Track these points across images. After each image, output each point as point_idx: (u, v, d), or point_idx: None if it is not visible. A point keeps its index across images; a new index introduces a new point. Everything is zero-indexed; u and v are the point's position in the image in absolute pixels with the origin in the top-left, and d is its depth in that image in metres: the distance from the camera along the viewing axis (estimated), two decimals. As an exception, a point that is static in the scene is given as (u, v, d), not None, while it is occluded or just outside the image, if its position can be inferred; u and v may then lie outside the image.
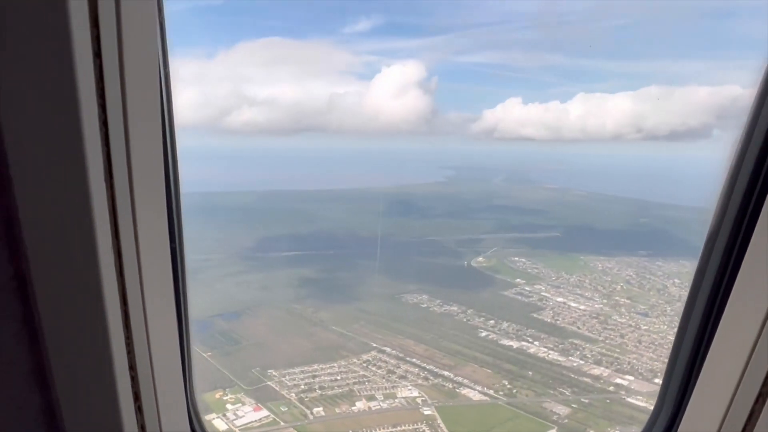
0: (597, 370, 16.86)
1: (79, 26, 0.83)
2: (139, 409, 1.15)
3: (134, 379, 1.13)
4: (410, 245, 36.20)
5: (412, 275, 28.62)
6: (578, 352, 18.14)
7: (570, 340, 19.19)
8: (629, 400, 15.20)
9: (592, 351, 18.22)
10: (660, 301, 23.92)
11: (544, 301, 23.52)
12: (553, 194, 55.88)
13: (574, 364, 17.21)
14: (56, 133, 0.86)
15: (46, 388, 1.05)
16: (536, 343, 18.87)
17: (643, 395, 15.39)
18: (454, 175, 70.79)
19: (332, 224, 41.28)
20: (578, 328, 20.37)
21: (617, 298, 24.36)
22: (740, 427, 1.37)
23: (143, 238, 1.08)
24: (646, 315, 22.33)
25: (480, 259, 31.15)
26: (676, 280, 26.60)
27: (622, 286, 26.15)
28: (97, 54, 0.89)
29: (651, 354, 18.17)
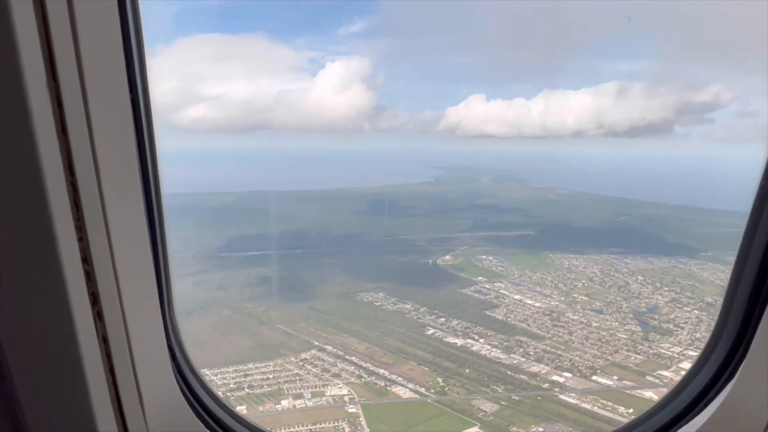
0: (536, 368, 16.68)
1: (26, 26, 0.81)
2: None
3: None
4: (381, 244, 36.06)
5: (375, 274, 28.50)
6: (522, 350, 17.96)
7: (517, 337, 19.01)
8: (561, 397, 15.03)
9: (536, 348, 18.04)
10: (618, 298, 23.72)
11: (500, 299, 23.35)
12: (537, 193, 55.67)
13: (515, 362, 17.03)
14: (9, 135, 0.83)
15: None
16: (481, 340, 18.70)
17: (577, 393, 15.22)
18: (444, 175, 70.76)
19: (306, 224, 41.15)
20: (528, 325, 20.19)
21: (575, 295, 24.18)
22: None
23: (117, 236, 1.03)
24: (600, 312, 22.14)
25: (447, 257, 30.99)
26: (640, 277, 26.43)
27: (583, 284, 25.97)
28: (49, 57, 0.86)
29: (595, 351, 17.99)
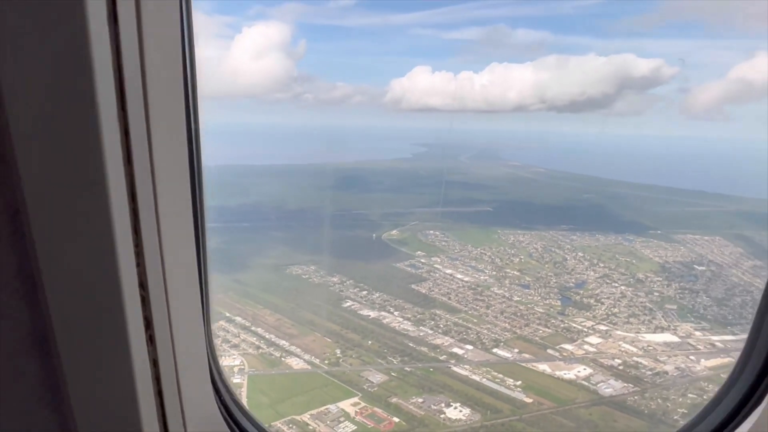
0: (440, 340, 16.61)
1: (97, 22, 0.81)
2: (150, 338, 1.11)
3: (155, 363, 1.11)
4: (334, 218, 35.78)
5: (314, 247, 28.32)
6: (433, 323, 17.88)
7: (433, 310, 18.92)
8: (454, 369, 14.99)
9: (447, 321, 17.96)
10: (550, 274, 23.65)
11: (431, 273, 23.22)
12: (511, 171, 55.42)
13: (421, 334, 16.95)
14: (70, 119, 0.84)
15: (57, 395, 1.04)
16: (396, 313, 18.60)
17: (472, 365, 15.18)
18: (425, 152, 70.41)
19: (265, 198, 40.75)
20: (449, 299, 20.09)
21: (508, 270, 24.08)
22: None
23: (165, 221, 1.05)
24: (526, 287, 22.06)
25: (394, 231, 30.81)
26: (580, 254, 26.36)
27: (521, 259, 25.87)
28: (116, 50, 0.87)
29: (506, 324, 17.94)
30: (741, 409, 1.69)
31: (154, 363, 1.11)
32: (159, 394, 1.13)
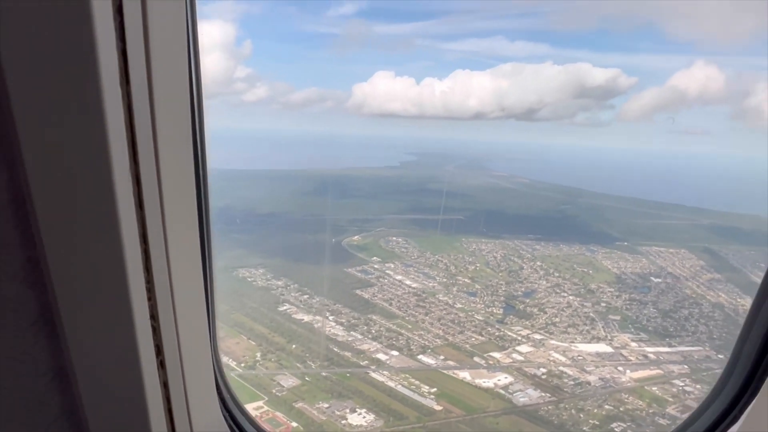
0: (367, 345, 16.29)
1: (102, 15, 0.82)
2: (167, 398, 1.18)
3: (162, 364, 1.15)
4: (301, 223, 35.68)
5: (270, 250, 28.09)
6: (365, 328, 17.58)
7: (369, 316, 18.62)
8: (372, 375, 14.66)
9: (381, 327, 17.65)
10: (501, 283, 23.36)
11: (380, 279, 22.94)
12: (494, 181, 55.39)
13: (349, 339, 16.64)
14: (78, 117, 0.84)
15: (66, 382, 1.07)
16: (331, 318, 18.30)
17: (392, 371, 14.87)
18: (415, 160, 70.52)
19: (237, 202, 40.57)
20: (390, 305, 19.79)
21: (460, 277, 23.81)
22: None
23: (171, 222, 1.07)
24: (473, 294, 21.76)
25: (356, 237, 30.60)
26: (539, 263, 26.12)
27: (476, 267, 25.60)
28: (122, 39, 0.87)
29: (440, 331, 17.63)
30: (734, 407, 1.73)
31: (165, 385, 1.19)
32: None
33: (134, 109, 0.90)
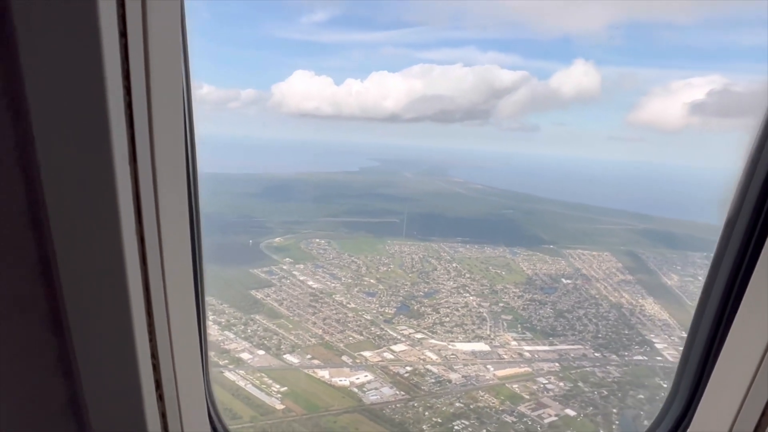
0: (234, 345, 15.70)
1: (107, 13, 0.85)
2: (160, 398, 1.23)
3: (156, 368, 1.19)
4: (229, 224, 34.88)
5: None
6: (242, 327, 16.98)
7: (252, 315, 18.03)
8: (225, 374, 14.07)
9: (259, 327, 17.08)
10: (407, 283, 23.05)
11: (283, 280, 22.38)
12: (447, 186, 55.69)
13: (219, 339, 16.02)
14: (82, 117, 0.87)
15: (70, 377, 1.11)
16: (211, 316, 17.61)
17: (249, 370, 14.30)
18: (377, 166, 70.50)
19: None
20: (280, 305, 19.24)
21: (367, 278, 23.41)
22: (752, 426, 1.39)
23: (165, 224, 1.10)
24: (372, 295, 21.37)
25: (277, 239, 30.03)
26: (455, 264, 25.93)
27: (389, 268, 25.26)
28: (123, 34, 0.90)
29: (319, 331, 17.14)
30: (686, 413, 1.76)
31: (163, 415, 1.23)
32: (163, 416, 1.24)
33: (134, 111, 0.92)
